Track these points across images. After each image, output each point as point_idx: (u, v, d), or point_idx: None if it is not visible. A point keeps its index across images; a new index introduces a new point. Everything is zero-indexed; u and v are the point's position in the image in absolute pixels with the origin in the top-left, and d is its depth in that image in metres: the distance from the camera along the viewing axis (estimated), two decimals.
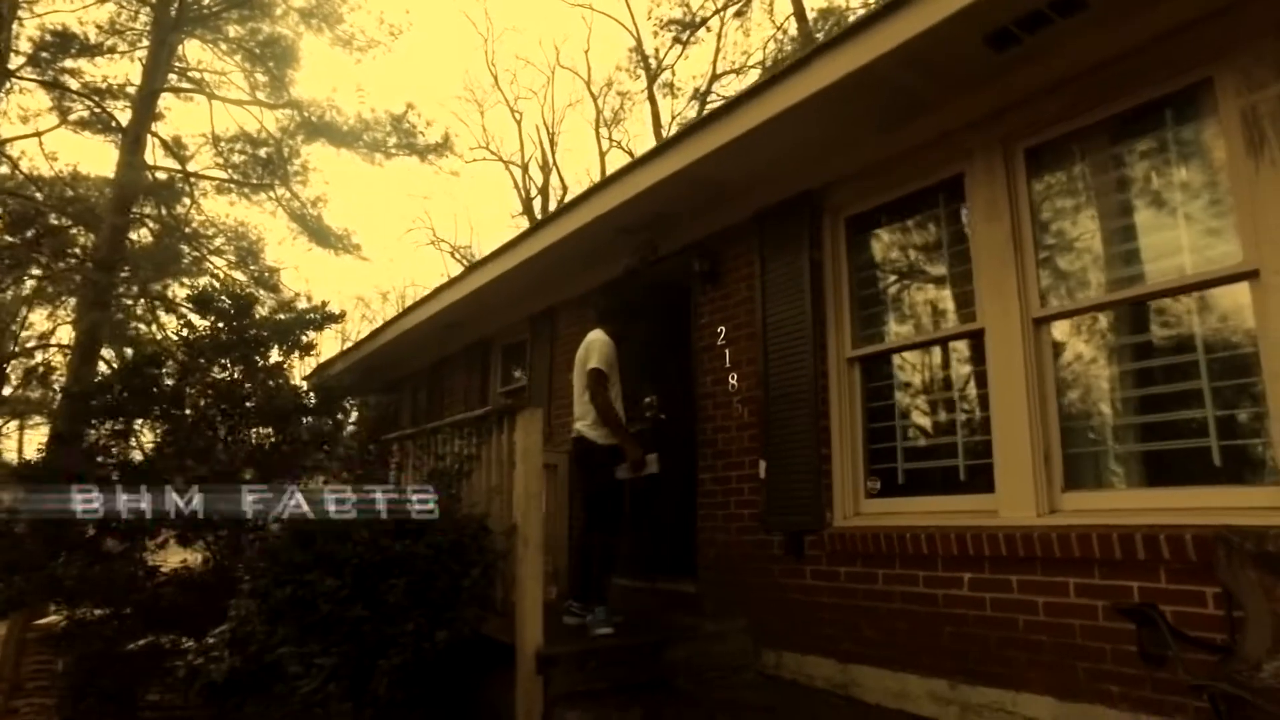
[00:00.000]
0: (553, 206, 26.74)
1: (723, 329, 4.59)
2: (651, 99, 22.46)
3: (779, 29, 18.17)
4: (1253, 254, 2.64)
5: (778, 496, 4.08)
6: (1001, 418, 3.27)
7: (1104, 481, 3.07)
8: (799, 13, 16.87)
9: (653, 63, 21.65)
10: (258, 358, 8.56)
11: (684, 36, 18.85)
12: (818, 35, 16.54)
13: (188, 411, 8.24)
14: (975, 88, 3.32)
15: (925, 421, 3.79)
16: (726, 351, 4.53)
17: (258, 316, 7.89)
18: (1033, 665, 2.94)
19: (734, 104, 3.78)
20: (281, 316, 8.12)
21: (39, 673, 10.08)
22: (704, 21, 18.96)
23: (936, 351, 3.77)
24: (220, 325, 8.11)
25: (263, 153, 18.19)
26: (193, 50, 18.54)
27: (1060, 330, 3.24)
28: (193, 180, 18.00)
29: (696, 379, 4.75)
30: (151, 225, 17.26)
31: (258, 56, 18.87)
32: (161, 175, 17.49)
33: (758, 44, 20.23)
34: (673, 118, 22.73)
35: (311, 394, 8.98)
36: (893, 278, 4.02)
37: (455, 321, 7.17)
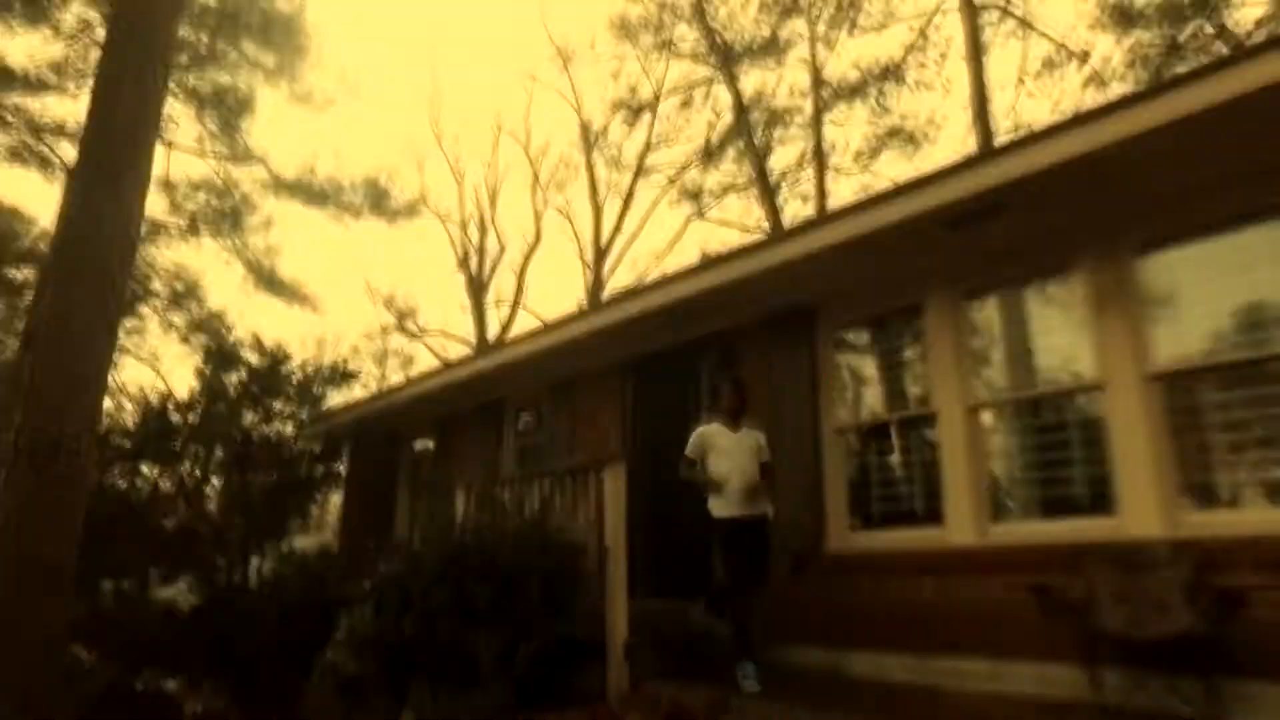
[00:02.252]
0: (489, 267, 27.85)
1: None
2: (589, 169, 24.31)
3: (715, 115, 20.42)
4: (1103, 373, 4.31)
5: (783, 530, 5.45)
6: (949, 473, 4.81)
7: (1017, 516, 4.63)
8: (737, 104, 19.14)
9: (593, 137, 23.56)
10: (269, 408, 9.31)
11: (630, 119, 20.80)
12: (754, 125, 18.91)
13: (207, 455, 8.86)
14: (934, 249, 4.94)
15: (894, 475, 5.30)
16: None
17: (286, 373, 8.69)
18: (974, 638, 4.39)
19: (767, 243, 5.29)
20: (302, 374, 8.91)
21: None
22: (648, 106, 21.04)
23: (902, 426, 5.31)
24: (246, 379, 8.85)
25: (219, 201, 18.54)
26: None
27: (988, 414, 4.85)
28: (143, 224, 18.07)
29: None
30: None
31: (210, 104, 19.30)
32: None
33: (691, 117, 22.42)
34: (608, 188, 24.63)
35: (317, 442, 9.73)
36: (870, 371, 5.57)
37: (472, 387, 8.25)
